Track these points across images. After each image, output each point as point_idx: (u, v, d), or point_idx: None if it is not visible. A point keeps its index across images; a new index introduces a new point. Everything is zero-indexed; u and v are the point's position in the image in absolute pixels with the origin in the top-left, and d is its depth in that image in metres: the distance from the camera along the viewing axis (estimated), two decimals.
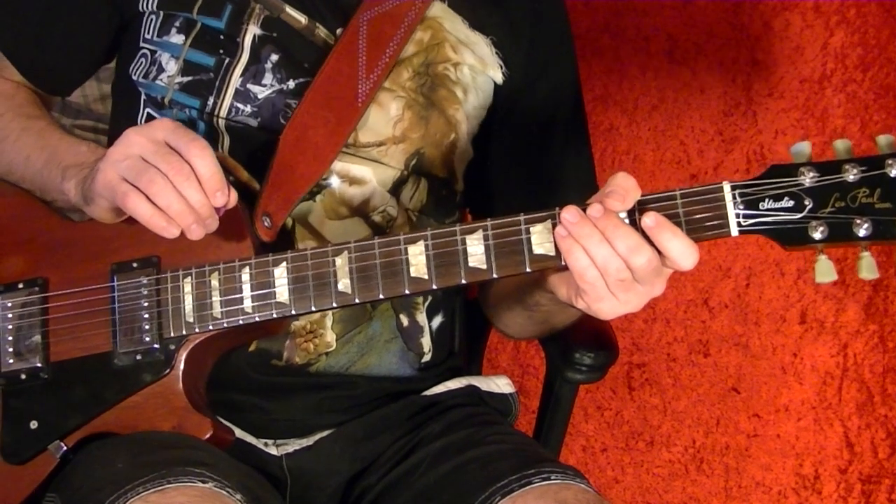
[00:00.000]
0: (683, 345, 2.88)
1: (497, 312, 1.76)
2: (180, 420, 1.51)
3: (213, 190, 1.42)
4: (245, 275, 1.50)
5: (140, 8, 1.71)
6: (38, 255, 1.61)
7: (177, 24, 1.69)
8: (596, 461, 2.89)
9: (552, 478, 1.48)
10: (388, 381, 1.74)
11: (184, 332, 1.52)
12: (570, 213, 1.35)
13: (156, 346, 1.52)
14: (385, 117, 1.68)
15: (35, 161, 1.64)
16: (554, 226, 1.38)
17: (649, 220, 1.33)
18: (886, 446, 2.76)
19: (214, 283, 1.51)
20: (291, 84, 1.67)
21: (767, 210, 1.33)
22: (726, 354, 2.86)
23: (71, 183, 1.56)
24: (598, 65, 2.97)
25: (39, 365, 1.56)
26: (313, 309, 1.48)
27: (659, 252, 1.33)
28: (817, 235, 1.31)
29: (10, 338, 1.58)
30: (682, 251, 1.32)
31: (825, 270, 1.32)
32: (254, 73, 1.66)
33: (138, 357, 1.53)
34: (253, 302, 1.50)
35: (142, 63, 1.71)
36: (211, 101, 1.66)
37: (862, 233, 1.30)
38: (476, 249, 1.42)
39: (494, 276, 1.41)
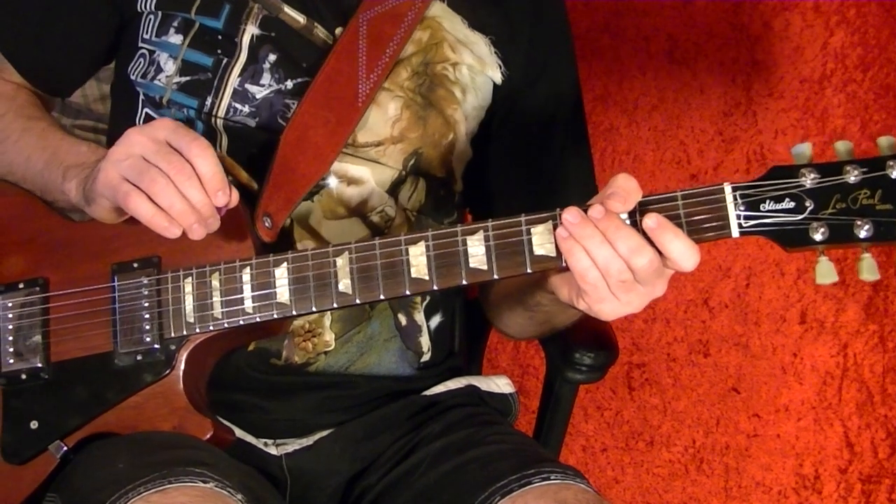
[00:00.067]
0: (683, 345, 2.88)
1: (498, 313, 1.76)
2: (181, 420, 1.51)
3: (215, 189, 1.42)
4: (246, 275, 1.50)
5: (139, 8, 1.71)
6: (39, 255, 1.61)
7: (175, 24, 1.69)
8: (596, 461, 2.89)
9: (552, 478, 1.48)
10: (387, 381, 1.74)
11: (184, 333, 1.52)
12: (571, 214, 1.35)
13: (156, 346, 1.52)
14: (383, 117, 1.68)
15: (36, 162, 1.64)
16: (555, 227, 1.38)
17: (651, 221, 1.33)
18: (886, 446, 2.76)
19: (215, 283, 1.51)
20: (290, 84, 1.67)
21: (768, 211, 1.33)
22: (726, 354, 2.86)
23: (72, 183, 1.56)
24: (598, 65, 2.97)
25: (40, 365, 1.56)
26: (314, 309, 1.48)
27: (660, 253, 1.33)
28: (818, 237, 1.31)
29: (11, 338, 1.58)
30: (684, 252, 1.32)
31: (826, 272, 1.32)
32: (252, 73, 1.66)
33: (139, 357, 1.53)
34: (254, 302, 1.50)
35: (140, 63, 1.71)
36: (209, 101, 1.66)
37: (863, 234, 1.30)
38: (477, 250, 1.42)
39: (495, 276, 1.41)
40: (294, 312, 1.49)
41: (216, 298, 1.51)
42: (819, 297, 2.83)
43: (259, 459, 1.66)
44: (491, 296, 1.77)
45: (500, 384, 1.84)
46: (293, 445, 1.69)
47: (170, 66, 1.68)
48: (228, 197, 1.43)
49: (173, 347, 1.52)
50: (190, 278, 1.52)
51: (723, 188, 1.34)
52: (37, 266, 1.60)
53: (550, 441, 1.93)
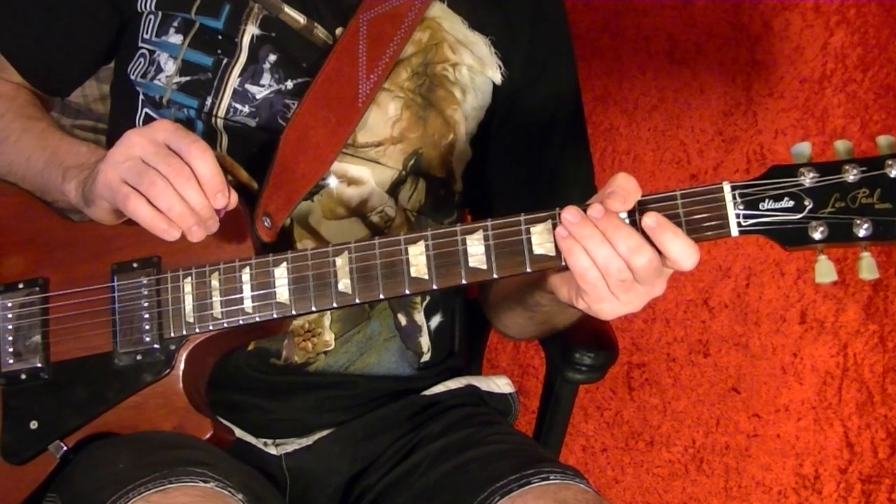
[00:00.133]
0: (683, 345, 2.88)
1: (497, 313, 1.76)
2: (181, 420, 1.51)
3: (214, 191, 1.42)
4: (245, 275, 1.50)
5: (139, 8, 1.71)
6: (39, 255, 1.61)
7: (175, 23, 1.69)
8: (596, 461, 2.89)
9: (551, 478, 1.48)
10: (387, 381, 1.74)
11: (184, 333, 1.52)
12: (570, 214, 1.35)
13: (156, 346, 1.52)
14: (383, 117, 1.68)
15: (36, 162, 1.64)
16: (554, 226, 1.38)
17: (650, 220, 1.33)
18: (886, 446, 2.76)
19: (215, 283, 1.51)
20: (290, 84, 1.67)
21: (767, 210, 1.33)
22: (726, 354, 2.86)
23: (71, 184, 1.56)
24: (598, 65, 2.97)
25: (40, 365, 1.56)
26: (314, 309, 1.48)
27: (659, 252, 1.33)
28: (817, 236, 1.31)
29: (11, 338, 1.58)
30: (683, 251, 1.32)
31: (825, 271, 1.32)
32: (252, 73, 1.66)
33: (139, 357, 1.53)
34: (253, 302, 1.50)
35: (140, 63, 1.71)
36: (209, 101, 1.66)
37: (862, 233, 1.30)
38: (476, 249, 1.42)
39: (495, 276, 1.41)
40: (293, 312, 1.49)
41: (216, 298, 1.51)
42: (819, 297, 2.83)
43: (259, 459, 1.66)
44: (490, 296, 1.77)
45: (500, 384, 1.84)
46: (293, 445, 1.69)
47: (170, 66, 1.68)
48: (227, 199, 1.44)
49: (173, 347, 1.52)
50: (189, 278, 1.52)
51: (722, 187, 1.34)
52: (36, 266, 1.60)
53: (550, 441, 1.93)
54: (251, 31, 1.67)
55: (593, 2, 2.98)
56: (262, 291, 1.49)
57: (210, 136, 1.66)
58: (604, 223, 1.33)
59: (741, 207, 1.34)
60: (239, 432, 1.65)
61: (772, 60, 2.89)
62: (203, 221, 1.43)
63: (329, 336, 1.68)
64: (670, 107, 2.93)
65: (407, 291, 1.44)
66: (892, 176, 1.29)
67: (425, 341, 1.77)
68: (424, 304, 1.76)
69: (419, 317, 1.75)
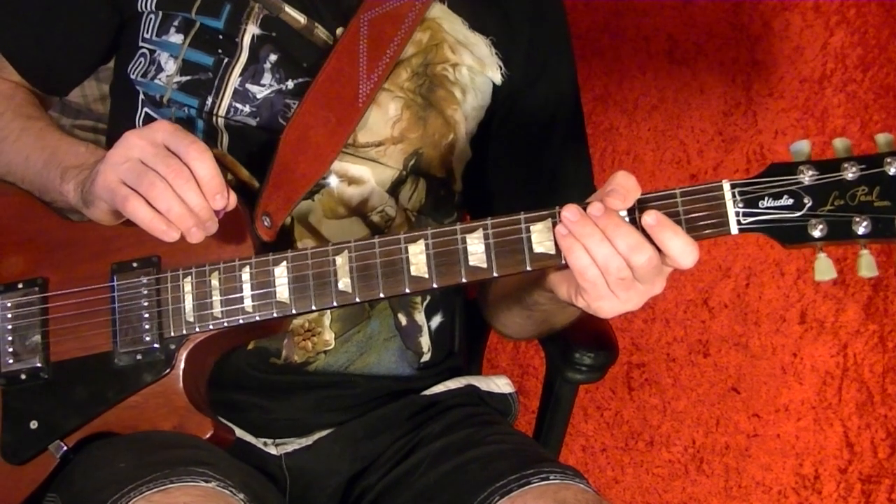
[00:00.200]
0: (683, 345, 2.88)
1: (496, 313, 1.76)
2: (181, 420, 1.51)
3: (213, 193, 1.42)
4: (245, 274, 1.50)
5: (139, 8, 1.71)
6: (38, 254, 1.61)
7: (175, 23, 1.69)
8: (596, 461, 2.89)
9: (551, 478, 1.48)
10: (387, 381, 1.74)
11: (184, 332, 1.52)
12: (570, 212, 1.35)
13: (156, 345, 1.52)
14: (384, 117, 1.68)
15: (34, 162, 1.64)
16: (554, 224, 1.38)
17: (650, 218, 1.33)
18: (886, 446, 2.76)
19: (215, 282, 1.51)
20: (290, 84, 1.67)
21: (767, 208, 1.33)
22: (726, 354, 2.86)
23: (70, 185, 1.57)
24: (598, 65, 2.97)
25: (39, 365, 1.56)
26: (314, 308, 1.48)
27: (659, 250, 1.33)
28: (817, 234, 1.31)
29: (10, 338, 1.58)
30: (683, 249, 1.33)
31: (825, 269, 1.33)
32: (252, 72, 1.66)
33: (139, 357, 1.53)
34: (253, 301, 1.50)
35: (141, 62, 1.71)
36: (209, 100, 1.66)
37: (861, 231, 1.30)
38: (476, 248, 1.42)
39: (495, 274, 1.41)
40: (294, 311, 1.49)
41: (216, 298, 1.51)
42: (819, 297, 2.83)
43: (259, 459, 1.66)
44: (489, 296, 1.77)
45: (500, 384, 1.84)
46: (293, 445, 1.69)
47: (170, 66, 1.68)
48: (226, 200, 1.44)
49: (173, 347, 1.52)
50: (189, 278, 1.52)
51: (721, 185, 1.34)
52: (36, 266, 1.60)
53: (550, 441, 1.93)
54: (252, 30, 1.67)
55: (593, 2, 2.98)
56: (262, 290, 1.49)
57: (211, 135, 1.66)
58: (603, 221, 1.33)
59: (741, 205, 1.34)
60: (239, 432, 1.65)
61: (772, 60, 2.89)
62: (202, 222, 1.43)
63: (329, 335, 1.68)
64: (670, 107, 2.94)
65: (407, 290, 1.44)
66: (890, 174, 1.30)
67: (426, 341, 1.77)
68: (425, 304, 1.76)
69: (420, 317, 1.75)
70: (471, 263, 1.42)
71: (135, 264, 1.55)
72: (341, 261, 1.47)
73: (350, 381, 1.71)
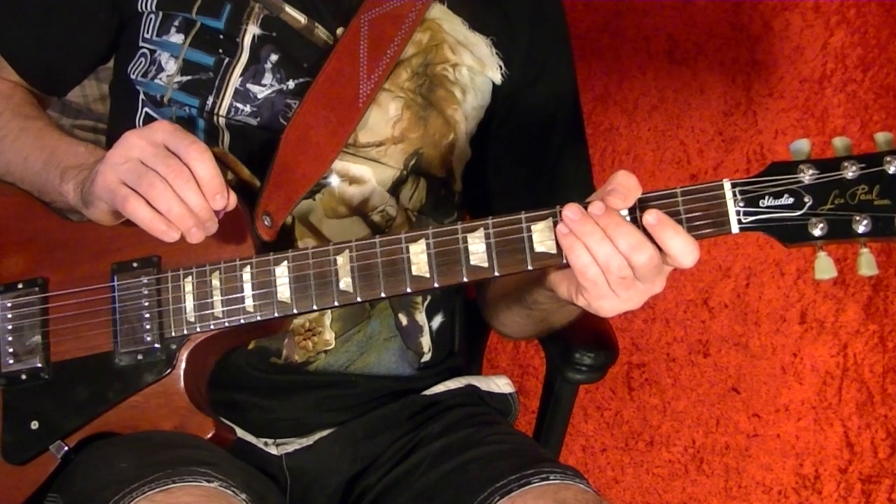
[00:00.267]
0: (683, 345, 2.88)
1: (495, 312, 1.76)
2: (182, 419, 1.51)
3: (213, 193, 1.42)
4: (246, 274, 1.50)
5: (139, 8, 1.71)
6: (38, 255, 1.61)
7: (176, 23, 1.69)
8: (595, 461, 2.89)
9: (551, 478, 1.48)
10: (387, 381, 1.74)
11: (185, 332, 1.52)
12: (571, 211, 1.35)
13: (157, 345, 1.52)
14: (384, 117, 1.68)
15: (34, 162, 1.64)
16: (555, 224, 1.38)
17: (651, 217, 1.33)
18: (886, 446, 2.76)
19: (215, 282, 1.51)
20: (291, 84, 1.67)
21: (767, 207, 1.33)
22: (726, 354, 2.86)
23: (70, 185, 1.56)
24: (598, 65, 2.97)
25: (40, 365, 1.56)
26: (315, 308, 1.48)
27: (660, 250, 1.34)
28: (817, 232, 1.31)
29: (10, 338, 1.58)
30: (684, 249, 1.33)
31: (825, 267, 1.33)
32: (253, 72, 1.66)
33: (139, 357, 1.53)
34: (254, 301, 1.50)
35: (141, 62, 1.71)
36: (210, 100, 1.66)
37: (861, 229, 1.30)
38: (478, 248, 1.42)
39: (496, 274, 1.41)
40: (295, 311, 1.49)
41: (216, 297, 1.51)
42: (819, 297, 2.83)
43: (259, 459, 1.66)
44: (488, 295, 1.77)
45: (500, 384, 1.84)
46: (294, 445, 1.69)
47: (171, 66, 1.68)
48: (226, 200, 1.43)
49: (174, 347, 1.52)
50: (190, 277, 1.52)
51: (722, 184, 1.35)
52: (36, 266, 1.60)
53: (550, 441, 1.93)
54: (252, 30, 1.67)
55: (593, 2, 2.98)
56: (263, 290, 1.49)
57: (212, 135, 1.66)
58: (604, 220, 1.33)
59: (741, 204, 1.34)
60: (240, 432, 1.65)
61: (772, 60, 2.89)
62: (202, 222, 1.43)
63: (329, 335, 1.68)
64: (670, 107, 2.94)
65: (408, 290, 1.44)
66: (890, 172, 1.30)
67: (426, 341, 1.77)
68: (426, 304, 1.76)
69: (421, 317, 1.75)
70: (472, 263, 1.42)
71: (135, 264, 1.55)
72: (342, 260, 1.47)
73: (350, 380, 1.71)
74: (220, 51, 1.67)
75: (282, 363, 1.67)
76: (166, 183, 1.41)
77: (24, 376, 1.56)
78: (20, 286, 1.59)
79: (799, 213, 1.32)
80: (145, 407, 1.53)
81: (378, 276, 1.45)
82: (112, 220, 1.53)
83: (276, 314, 1.49)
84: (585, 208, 1.35)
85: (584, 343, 1.80)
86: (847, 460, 2.79)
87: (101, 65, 1.84)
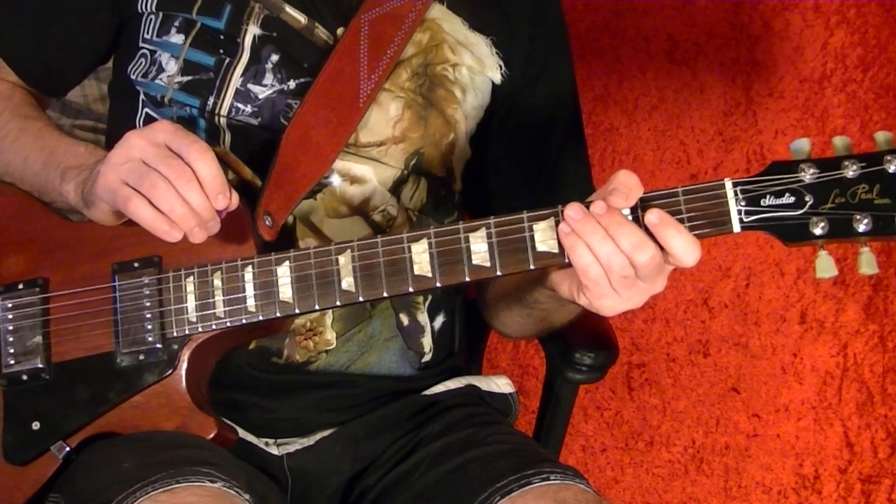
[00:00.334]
0: (683, 345, 2.88)
1: (495, 312, 1.76)
2: (184, 420, 1.51)
3: (215, 193, 1.42)
4: (248, 274, 1.50)
5: (139, 9, 1.71)
6: (39, 255, 1.61)
7: (176, 24, 1.69)
8: (595, 461, 2.89)
9: (552, 478, 1.48)
10: (388, 381, 1.74)
11: (187, 332, 1.52)
12: (573, 210, 1.35)
13: (158, 345, 1.52)
14: (385, 117, 1.68)
15: (33, 162, 1.64)
16: (557, 223, 1.38)
17: (653, 216, 1.33)
18: (886, 446, 2.77)
19: (217, 282, 1.51)
20: (292, 84, 1.67)
21: (769, 206, 1.33)
22: (726, 354, 2.86)
23: (70, 185, 1.56)
24: (598, 65, 2.97)
25: (41, 366, 1.56)
26: (317, 308, 1.48)
27: (662, 249, 1.34)
28: (818, 231, 1.32)
29: (11, 339, 1.57)
30: (686, 248, 1.33)
31: (826, 266, 1.33)
32: (254, 73, 1.66)
33: (141, 357, 1.53)
34: (256, 301, 1.50)
35: (141, 63, 1.71)
36: (211, 100, 1.66)
37: (862, 228, 1.30)
38: (480, 247, 1.42)
39: (498, 273, 1.41)
40: (297, 311, 1.49)
41: (218, 297, 1.51)
42: (819, 297, 2.83)
43: (260, 459, 1.66)
44: (488, 294, 1.77)
45: (500, 384, 1.84)
46: (295, 445, 1.69)
47: (171, 66, 1.68)
48: (228, 200, 1.43)
49: (176, 347, 1.52)
50: (191, 277, 1.52)
51: (723, 184, 1.35)
52: (36, 266, 1.60)
53: (550, 441, 1.93)
54: (253, 30, 1.67)
55: (593, 2, 2.99)
56: (264, 290, 1.49)
57: (213, 134, 1.66)
58: (606, 220, 1.34)
59: (743, 203, 1.34)
60: (240, 432, 1.65)
61: (772, 60, 2.89)
62: (204, 222, 1.43)
63: (330, 335, 1.68)
64: (670, 107, 2.94)
65: (410, 289, 1.44)
66: (890, 171, 1.30)
67: (428, 342, 1.77)
68: (427, 303, 1.76)
69: (423, 317, 1.75)
70: (474, 262, 1.42)
71: (136, 264, 1.55)
72: (344, 260, 1.47)
73: (351, 380, 1.71)
74: (221, 51, 1.67)
75: (283, 363, 1.67)
76: (168, 183, 1.41)
77: (25, 377, 1.56)
78: (21, 286, 1.59)
79: (800, 212, 1.32)
80: (147, 407, 1.53)
81: (380, 275, 1.45)
82: (113, 220, 1.53)
83: (278, 314, 1.49)
84: (587, 207, 1.35)
85: (584, 343, 1.80)
86: (847, 460, 2.79)
87: (100, 65, 1.84)
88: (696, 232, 1.34)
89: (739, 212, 1.34)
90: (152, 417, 1.52)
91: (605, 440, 2.89)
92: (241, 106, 1.65)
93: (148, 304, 1.53)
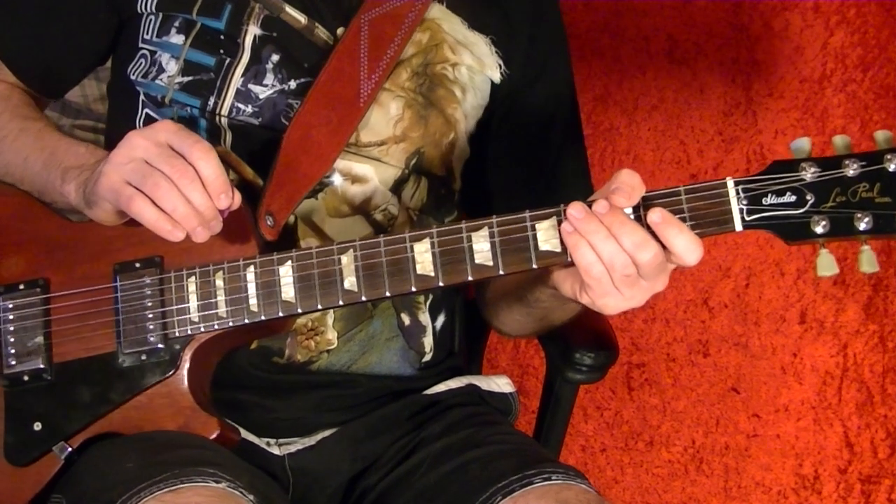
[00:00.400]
0: (683, 345, 2.88)
1: (495, 311, 1.76)
2: (186, 420, 1.51)
3: (217, 192, 1.42)
4: (250, 274, 1.50)
5: (138, 9, 1.70)
6: (40, 255, 1.60)
7: (176, 24, 1.69)
8: (595, 461, 2.89)
9: (553, 478, 1.49)
10: (388, 380, 1.74)
11: (189, 332, 1.52)
12: (576, 209, 1.35)
13: (160, 346, 1.52)
14: (385, 117, 1.68)
15: (34, 162, 1.64)
16: (559, 222, 1.39)
17: (655, 215, 1.34)
18: (886, 446, 2.77)
19: (219, 282, 1.51)
20: (293, 84, 1.67)
21: (770, 205, 1.34)
22: (726, 354, 2.87)
23: (71, 185, 1.56)
24: (598, 65, 2.97)
25: (42, 366, 1.56)
26: (319, 307, 1.48)
27: (664, 248, 1.34)
28: (819, 230, 1.32)
29: (13, 339, 1.57)
30: (688, 247, 1.33)
31: (826, 264, 1.33)
32: (255, 73, 1.66)
33: (143, 357, 1.53)
34: (258, 301, 1.50)
35: (141, 63, 1.71)
36: (212, 100, 1.66)
37: (862, 227, 1.31)
38: (482, 246, 1.42)
39: (501, 272, 1.41)
40: (299, 310, 1.49)
41: (220, 297, 1.51)
42: (819, 297, 2.83)
43: (262, 459, 1.66)
44: (488, 294, 1.77)
45: (501, 384, 1.84)
46: (296, 445, 1.69)
47: (172, 66, 1.68)
48: (231, 199, 1.43)
49: (178, 347, 1.52)
50: (193, 277, 1.52)
51: (725, 182, 1.35)
52: (37, 267, 1.60)
53: (550, 441, 1.93)
54: (253, 31, 1.67)
55: (593, 2, 2.99)
56: (267, 290, 1.49)
57: (214, 134, 1.66)
58: (609, 219, 1.34)
59: (744, 202, 1.35)
60: (242, 432, 1.65)
61: (772, 60, 2.89)
62: (207, 222, 1.43)
63: (332, 335, 1.68)
64: (670, 107, 2.94)
65: (413, 289, 1.45)
66: (891, 170, 1.31)
67: (429, 341, 1.77)
68: (428, 303, 1.76)
69: (424, 317, 1.76)
70: (477, 261, 1.42)
71: (137, 264, 1.55)
72: (346, 260, 1.47)
73: (352, 380, 1.71)
74: (221, 51, 1.67)
75: (284, 363, 1.67)
76: (171, 182, 1.41)
77: (26, 377, 1.56)
78: (21, 287, 1.59)
79: (801, 210, 1.33)
80: (149, 407, 1.53)
81: (383, 275, 1.45)
82: (115, 220, 1.53)
83: (280, 314, 1.49)
84: (589, 207, 1.35)
85: (584, 343, 1.80)
86: (847, 460, 2.79)
87: (99, 66, 1.84)
88: (698, 231, 1.35)
89: (741, 211, 1.34)
90: (155, 417, 1.52)
91: (605, 440, 2.89)
92: (241, 106, 1.65)
93: (150, 304, 1.53)
